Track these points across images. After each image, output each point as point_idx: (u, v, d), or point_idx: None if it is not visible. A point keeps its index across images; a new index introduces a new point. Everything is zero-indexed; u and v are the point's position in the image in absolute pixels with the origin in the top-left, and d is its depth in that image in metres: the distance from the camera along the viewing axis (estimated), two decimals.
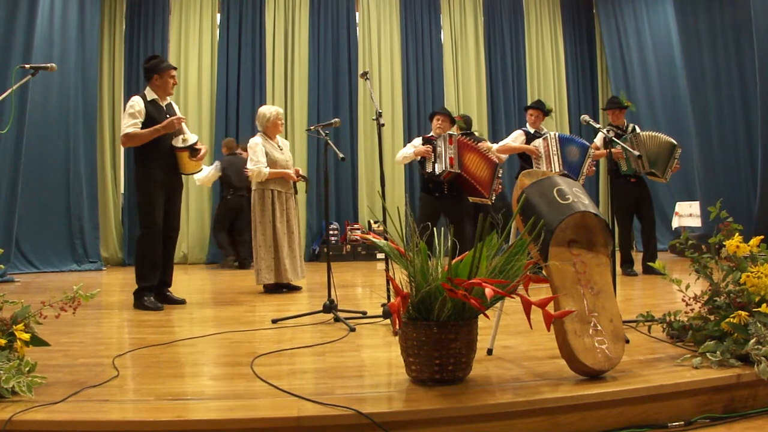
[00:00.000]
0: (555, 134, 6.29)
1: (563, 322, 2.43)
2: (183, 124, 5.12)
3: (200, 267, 9.26)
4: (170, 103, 5.16)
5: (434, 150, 6.03)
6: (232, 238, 8.92)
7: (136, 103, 4.90)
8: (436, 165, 5.99)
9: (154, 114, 4.91)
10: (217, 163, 8.63)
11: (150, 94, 4.99)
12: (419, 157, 6.18)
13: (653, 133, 6.51)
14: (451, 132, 6.15)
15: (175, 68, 5.14)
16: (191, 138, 4.99)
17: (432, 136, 6.22)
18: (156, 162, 4.90)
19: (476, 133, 7.31)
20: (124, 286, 6.34)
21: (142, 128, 4.83)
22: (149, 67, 5.03)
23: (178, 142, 4.93)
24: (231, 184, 8.67)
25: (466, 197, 6.17)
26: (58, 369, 2.75)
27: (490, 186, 5.86)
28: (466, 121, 7.05)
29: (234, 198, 8.71)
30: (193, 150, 4.95)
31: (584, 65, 11.83)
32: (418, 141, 6.31)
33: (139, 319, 4.37)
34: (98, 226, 9.27)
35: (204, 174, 8.24)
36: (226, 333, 3.73)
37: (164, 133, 4.85)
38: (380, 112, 4.17)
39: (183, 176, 5.15)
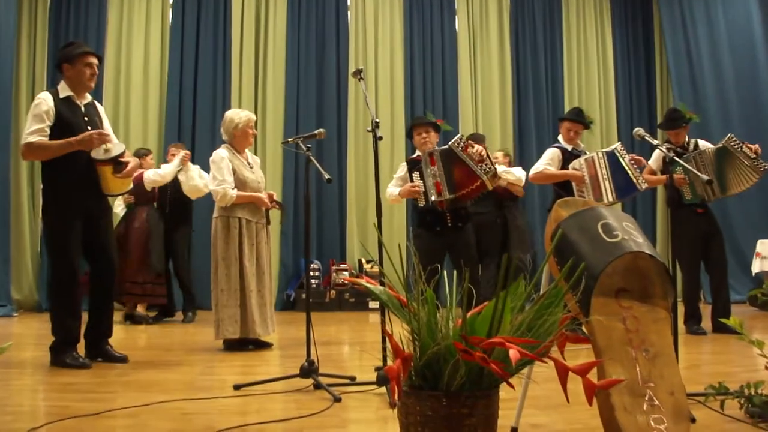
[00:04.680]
0: (603, 153, 6.20)
1: (609, 394, 2.44)
2: (109, 130, 5.10)
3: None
4: (91, 102, 5.16)
5: (422, 177, 6.01)
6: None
7: (44, 101, 4.84)
8: (431, 195, 5.94)
9: (67, 115, 4.88)
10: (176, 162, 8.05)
11: (64, 90, 4.98)
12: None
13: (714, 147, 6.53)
14: (431, 149, 6.07)
15: (94, 54, 5.11)
16: (116, 148, 4.93)
17: (418, 156, 6.17)
18: (70, 179, 4.86)
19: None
20: (41, 337, 6.32)
21: (51, 135, 4.80)
22: (60, 56, 5.04)
23: (98, 153, 4.86)
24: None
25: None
26: None
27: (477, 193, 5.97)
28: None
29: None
30: (117, 163, 4.89)
31: (638, 64, 11.93)
32: (402, 170, 6.32)
33: (61, 381, 4.36)
34: (9, 260, 9.25)
35: (169, 168, 7.91)
36: (176, 401, 3.72)
37: (80, 149, 4.80)
38: (377, 122, 4.20)
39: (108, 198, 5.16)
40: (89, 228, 4.97)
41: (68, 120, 4.86)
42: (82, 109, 5.02)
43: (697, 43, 11.24)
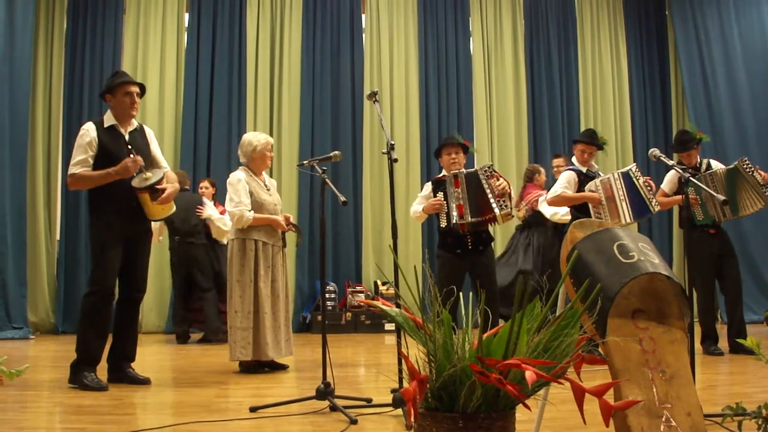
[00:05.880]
0: (618, 174, 6.21)
1: (626, 415, 2.43)
2: (158, 153, 5.21)
3: (157, 337, 9.25)
4: (139, 128, 5.27)
5: (446, 197, 6.00)
6: (186, 303, 8.75)
7: (87, 132, 4.99)
8: (453, 215, 5.92)
9: (109, 145, 5.00)
10: None
11: (108, 120, 5.10)
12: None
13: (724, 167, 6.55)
14: (457, 171, 6.04)
15: (134, 83, 5.23)
16: (155, 175, 5.02)
17: (444, 176, 6.16)
18: (112, 206, 4.97)
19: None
20: (58, 359, 6.36)
21: (94, 164, 4.92)
22: (104, 87, 5.20)
23: (138, 181, 4.97)
24: (174, 228, 8.53)
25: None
26: None
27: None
28: None
29: (181, 247, 8.57)
30: (154, 191, 4.98)
31: (653, 83, 11.90)
32: (427, 189, 6.29)
33: (77, 403, 4.38)
34: (26, 283, 9.29)
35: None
36: (191, 423, 3.74)
37: (119, 178, 4.90)
38: (392, 144, 4.23)
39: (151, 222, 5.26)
40: (126, 251, 5.07)
41: (110, 149, 4.99)
42: (126, 137, 5.13)
43: (711, 60, 11.22)
